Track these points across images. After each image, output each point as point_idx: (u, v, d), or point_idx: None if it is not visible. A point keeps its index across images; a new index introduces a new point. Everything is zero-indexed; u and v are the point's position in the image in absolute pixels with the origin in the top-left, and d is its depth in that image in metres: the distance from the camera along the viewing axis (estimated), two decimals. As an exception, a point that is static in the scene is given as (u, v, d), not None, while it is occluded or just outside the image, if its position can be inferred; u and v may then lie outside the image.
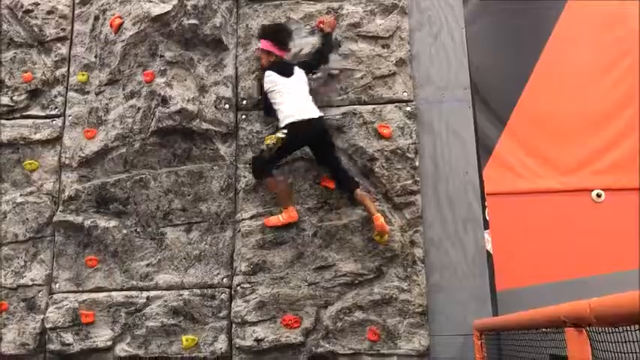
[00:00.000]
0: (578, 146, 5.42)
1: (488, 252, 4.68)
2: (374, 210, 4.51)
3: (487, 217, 4.78)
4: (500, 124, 5.64)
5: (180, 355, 4.63)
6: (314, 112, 4.56)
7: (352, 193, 4.61)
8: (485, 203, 4.82)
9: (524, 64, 5.65)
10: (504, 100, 5.63)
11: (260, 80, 4.90)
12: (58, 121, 5.24)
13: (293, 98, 4.56)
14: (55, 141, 5.21)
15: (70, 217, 4.96)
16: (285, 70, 4.67)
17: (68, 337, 4.74)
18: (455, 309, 4.51)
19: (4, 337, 4.82)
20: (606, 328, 1.94)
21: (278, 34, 4.85)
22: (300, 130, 4.47)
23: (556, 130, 5.48)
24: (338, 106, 4.98)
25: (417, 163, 4.80)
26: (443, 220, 4.73)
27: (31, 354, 4.79)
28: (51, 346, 4.74)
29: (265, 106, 4.80)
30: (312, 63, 4.87)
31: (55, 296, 4.86)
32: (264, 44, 4.83)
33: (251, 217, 4.82)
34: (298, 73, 4.70)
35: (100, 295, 4.81)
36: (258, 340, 4.54)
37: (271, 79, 4.64)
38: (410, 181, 4.76)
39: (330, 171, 4.72)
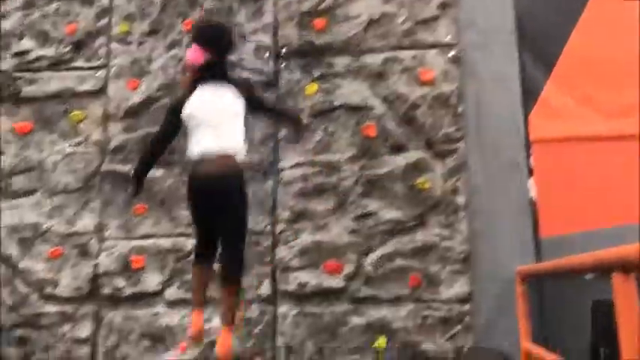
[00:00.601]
0: (628, 90, 5.21)
1: (532, 199, 4.63)
2: (229, 319, 3.60)
3: (531, 165, 4.70)
4: (547, 68, 5.45)
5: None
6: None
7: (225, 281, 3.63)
8: (530, 150, 4.73)
9: (572, 5, 5.41)
10: (551, 44, 5.42)
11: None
12: (103, 72, 5.32)
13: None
14: (100, 92, 5.31)
15: (118, 167, 5.10)
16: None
17: (120, 282, 4.95)
18: (497, 256, 4.51)
19: (60, 282, 5.05)
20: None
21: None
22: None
23: (605, 74, 5.27)
24: (378, 52, 4.90)
25: (459, 110, 4.72)
26: (486, 168, 4.67)
27: (85, 297, 5.02)
28: (104, 291, 4.96)
29: None
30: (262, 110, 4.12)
31: (105, 243, 5.05)
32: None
33: (291, 167, 4.86)
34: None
35: (149, 242, 4.98)
36: (301, 285, 4.65)
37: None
38: (453, 128, 4.70)
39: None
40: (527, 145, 4.72)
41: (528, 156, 4.69)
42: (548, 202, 4.78)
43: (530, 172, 4.67)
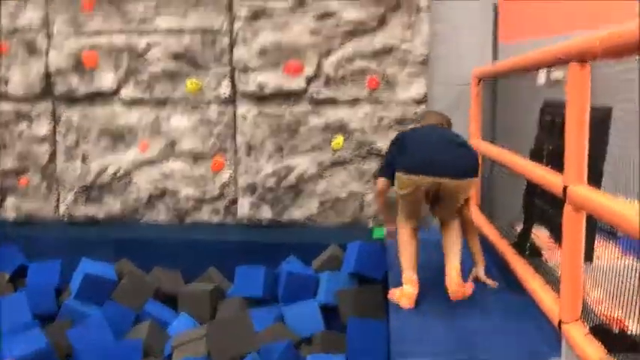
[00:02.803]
0: None
1: (494, 3, 4.55)
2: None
3: (498, -36, 4.54)
4: None
5: (185, 99, 4.77)
6: None
7: None
8: (499, -52, 4.54)
9: None
10: None
11: None
12: None
13: None
14: None
15: (59, -45, 4.69)
16: None
17: (73, 81, 4.83)
18: (455, 59, 4.54)
19: (10, 80, 4.90)
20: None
21: None
22: None
23: None
24: None
25: None
26: (452, -34, 4.50)
27: (38, 96, 4.91)
28: (57, 89, 4.85)
29: None
30: None
31: (54, 40, 4.82)
32: None
33: (250, -41, 4.57)
34: None
35: (101, 40, 4.78)
36: (261, 86, 4.65)
37: None
38: None
39: None
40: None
41: (496, -46, 4.51)
42: (509, 7, 4.71)
43: (496, -27, 4.52)
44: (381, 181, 3.29)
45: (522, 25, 4.98)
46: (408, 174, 2.97)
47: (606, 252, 2.53)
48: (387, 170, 3.22)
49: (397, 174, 3.05)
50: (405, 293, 3.04)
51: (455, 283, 3.03)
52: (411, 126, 4.03)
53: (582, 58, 2.04)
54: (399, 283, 3.14)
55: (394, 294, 3.13)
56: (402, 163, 3.03)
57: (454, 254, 3.12)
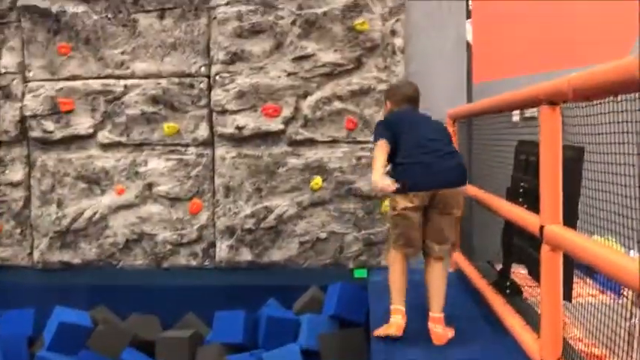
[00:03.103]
0: None
1: (468, 42, 4.65)
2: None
3: (470, 6, 4.66)
4: None
5: (162, 142, 4.75)
6: None
7: None
8: (470, -8, 4.67)
9: None
10: None
11: None
12: None
13: None
14: None
15: (36, 1, 4.70)
16: None
17: (49, 125, 4.78)
18: (431, 98, 4.57)
19: (-15, 125, 4.85)
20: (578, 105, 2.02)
21: None
22: None
23: None
24: None
25: (402, -54, 4.53)
26: (425, 9, 4.61)
27: (13, 141, 4.86)
28: (32, 134, 4.81)
29: None
30: None
31: (30, 84, 4.80)
32: None
33: (227, 4, 4.63)
34: None
35: (77, 84, 4.77)
36: (239, 128, 4.65)
37: None
38: (394, -34, 4.53)
39: None
40: (468, -14, 4.65)
41: (468, -3, 4.64)
42: (483, 47, 4.82)
43: (469, 15, 4.64)
44: (384, 142, 3.03)
45: (496, 63, 5.09)
46: (408, 193, 2.99)
47: (585, 290, 2.54)
48: (384, 134, 3.06)
49: (396, 197, 3.01)
50: (393, 323, 3.00)
51: (439, 328, 2.99)
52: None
53: (552, 100, 2.08)
54: (381, 326, 3.09)
55: (380, 329, 3.06)
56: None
57: (439, 296, 3.06)
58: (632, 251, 1.84)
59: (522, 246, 2.95)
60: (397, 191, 2.99)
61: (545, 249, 2.18)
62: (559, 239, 2.07)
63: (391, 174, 3.05)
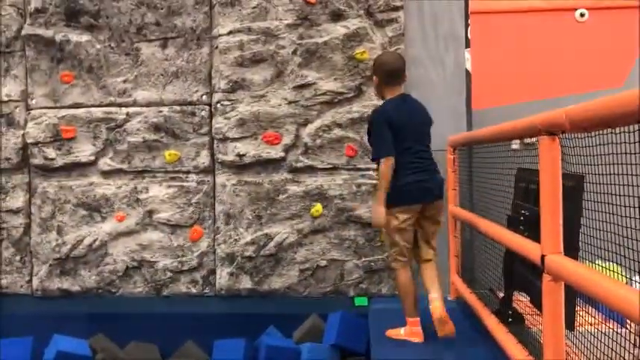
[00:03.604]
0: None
1: (467, 70, 4.70)
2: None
3: (469, 36, 4.72)
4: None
5: (163, 169, 4.77)
6: None
7: None
8: (469, 21, 4.73)
9: None
10: None
11: None
12: None
13: None
14: (13, -54, 4.82)
15: (40, 31, 4.77)
16: None
17: (50, 152, 4.81)
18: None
19: (-13, 152, 4.87)
20: (578, 135, 2.03)
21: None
22: None
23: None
24: None
25: (401, -23, 4.61)
26: (425, 38, 4.67)
27: (15, 168, 4.88)
28: (34, 161, 4.83)
29: None
30: None
31: (32, 112, 4.84)
32: None
33: (229, 33, 4.69)
34: None
35: (79, 111, 4.80)
36: (240, 155, 4.68)
37: None
38: (393, -4, 4.60)
39: None
40: (467, 16, 4.71)
41: (467, 27, 4.69)
42: (482, 75, 4.87)
43: (467, 44, 4.69)
44: (391, 160, 3.33)
45: (496, 90, 5.14)
46: (409, 206, 3.36)
47: (588, 318, 2.53)
48: (391, 148, 3.34)
49: (396, 211, 3.32)
50: (417, 332, 3.34)
51: (440, 311, 3.26)
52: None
53: (551, 131, 2.10)
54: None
55: (397, 333, 3.40)
56: (401, 200, 3.35)
57: (436, 288, 3.39)
58: (636, 276, 1.84)
59: (524, 274, 2.94)
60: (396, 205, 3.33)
61: (546, 279, 2.18)
62: (560, 269, 2.06)
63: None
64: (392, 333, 3.46)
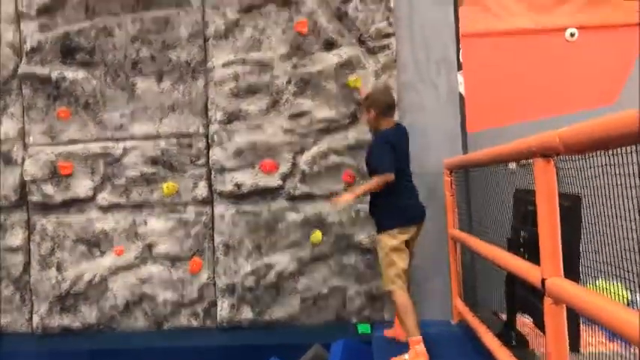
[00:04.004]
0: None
1: (460, 94, 4.74)
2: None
3: (461, 59, 4.77)
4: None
5: (161, 202, 4.77)
6: None
7: None
8: (460, 45, 4.78)
9: None
10: None
11: None
12: (9, -35, 4.88)
13: None
14: (9, -13, 4.89)
15: (36, 69, 4.81)
16: None
17: (48, 189, 4.81)
18: (426, 150, 4.64)
19: (-15, 191, 4.87)
20: (572, 157, 2.04)
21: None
22: None
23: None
24: (309, -57, 4.70)
25: (392, 4, 4.67)
26: (417, 63, 4.71)
27: (13, 205, 4.88)
28: (32, 198, 4.83)
29: None
30: None
31: (30, 149, 4.86)
32: None
33: (223, 65, 4.73)
34: None
35: (76, 147, 4.82)
36: (238, 185, 4.68)
37: None
38: (384, 23, 4.65)
39: None
40: (458, 39, 4.76)
41: (458, 50, 4.74)
42: (475, 98, 4.91)
43: (460, 67, 4.74)
44: (391, 176, 3.58)
45: (489, 112, 5.17)
46: (408, 227, 3.65)
47: (593, 339, 2.51)
48: (393, 168, 3.60)
49: (396, 231, 3.60)
50: (419, 353, 3.41)
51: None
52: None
53: (545, 153, 2.11)
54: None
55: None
56: (403, 221, 3.64)
57: None
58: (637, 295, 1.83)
59: (526, 296, 2.93)
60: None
61: (547, 302, 2.17)
62: (561, 292, 2.06)
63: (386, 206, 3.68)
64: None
